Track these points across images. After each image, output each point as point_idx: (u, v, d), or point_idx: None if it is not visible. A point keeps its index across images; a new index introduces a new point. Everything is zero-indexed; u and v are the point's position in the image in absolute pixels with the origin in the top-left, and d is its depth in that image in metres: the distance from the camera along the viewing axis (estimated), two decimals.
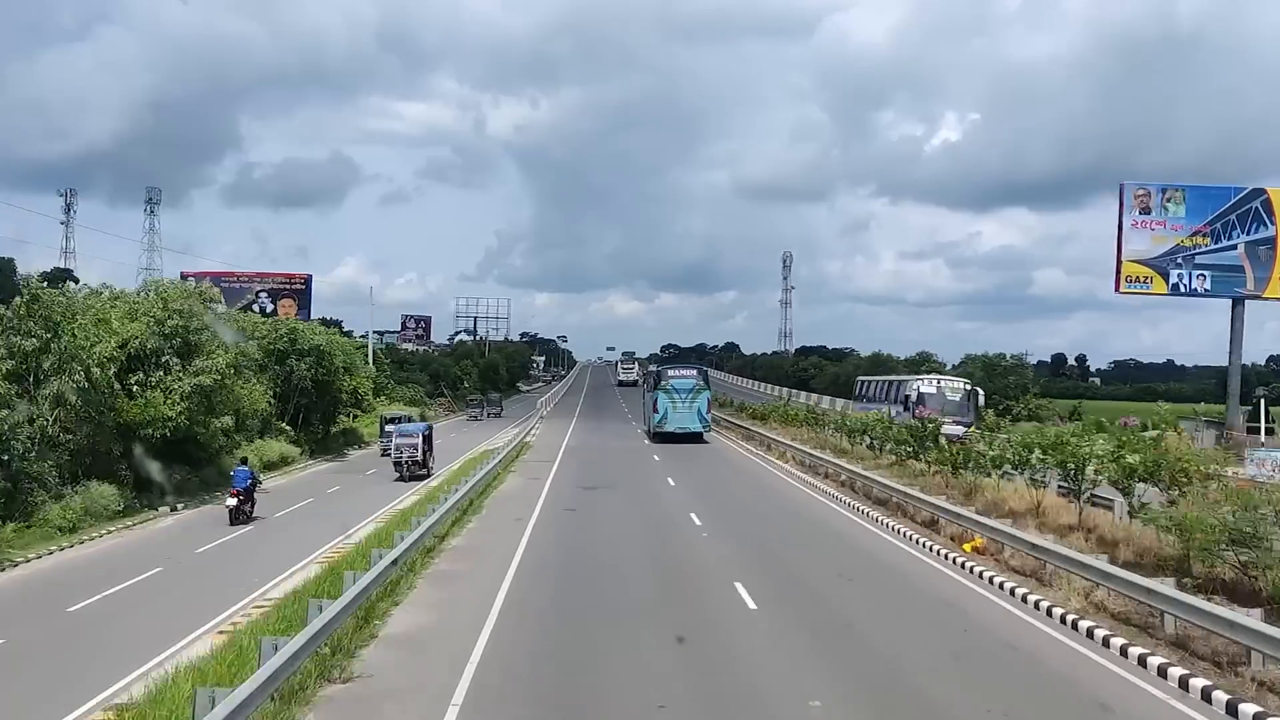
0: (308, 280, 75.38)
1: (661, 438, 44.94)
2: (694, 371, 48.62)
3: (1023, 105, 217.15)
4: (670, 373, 48.17)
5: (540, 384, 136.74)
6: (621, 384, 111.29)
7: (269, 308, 74.46)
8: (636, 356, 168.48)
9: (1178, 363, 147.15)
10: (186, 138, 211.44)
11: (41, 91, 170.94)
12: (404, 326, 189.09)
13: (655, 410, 45.91)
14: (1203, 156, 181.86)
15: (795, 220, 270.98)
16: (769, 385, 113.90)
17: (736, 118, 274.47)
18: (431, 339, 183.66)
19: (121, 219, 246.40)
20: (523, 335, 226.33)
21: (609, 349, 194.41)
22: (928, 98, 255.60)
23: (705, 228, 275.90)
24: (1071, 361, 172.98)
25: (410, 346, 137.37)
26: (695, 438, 45.24)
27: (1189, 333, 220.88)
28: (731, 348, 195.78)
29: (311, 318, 76.88)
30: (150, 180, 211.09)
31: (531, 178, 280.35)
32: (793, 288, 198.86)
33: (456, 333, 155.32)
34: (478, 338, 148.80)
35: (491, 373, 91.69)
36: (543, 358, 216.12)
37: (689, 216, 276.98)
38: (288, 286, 75.54)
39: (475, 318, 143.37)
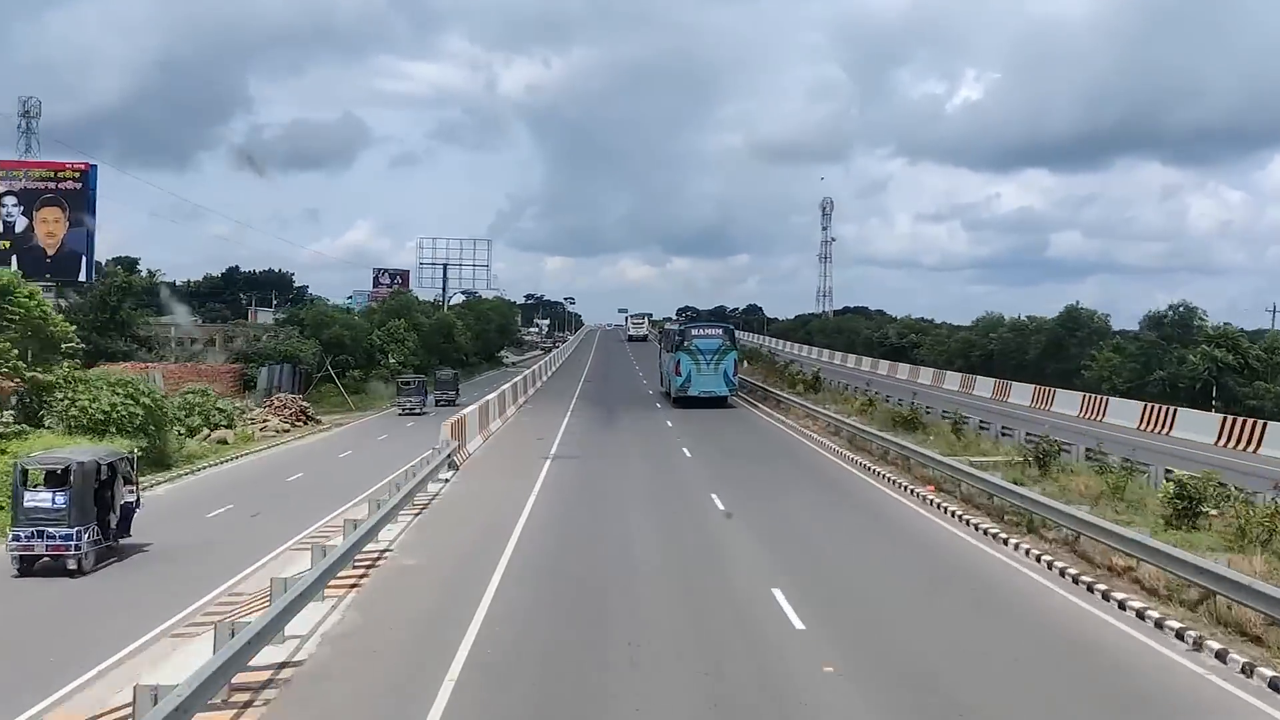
0: (86, 174, 41.91)
1: (684, 403, 41.73)
2: (720, 330, 45.35)
3: (1046, 62, 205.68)
4: (694, 331, 44.34)
5: (538, 352, 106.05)
6: (631, 339, 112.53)
7: (18, 222, 41.08)
8: (652, 317, 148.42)
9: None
10: (194, 98, 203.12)
11: (47, 51, 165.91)
12: (376, 282, 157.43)
13: (677, 373, 42.61)
14: (1232, 114, 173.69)
15: (811, 182, 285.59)
16: (834, 353, 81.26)
17: (753, 77, 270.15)
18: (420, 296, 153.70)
19: (127, 182, 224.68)
20: (528, 297, 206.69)
21: (620, 310, 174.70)
22: (948, 55, 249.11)
23: (719, 190, 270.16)
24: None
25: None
26: (720, 402, 42.21)
27: (1206, 296, 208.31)
28: (754, 310, 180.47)
29: (96, 246, 43.79)
30: (160, 142, 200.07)
31: (543, 139, 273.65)
32: (833, 239, 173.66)
33: (470, 291, 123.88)
34: (468, 294, 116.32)
35: (443, 340, 59.06)
36: (547, 321, 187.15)
37: (702, 179, 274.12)
38: (51, 185, 42.14)
39: (445, 265, 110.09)
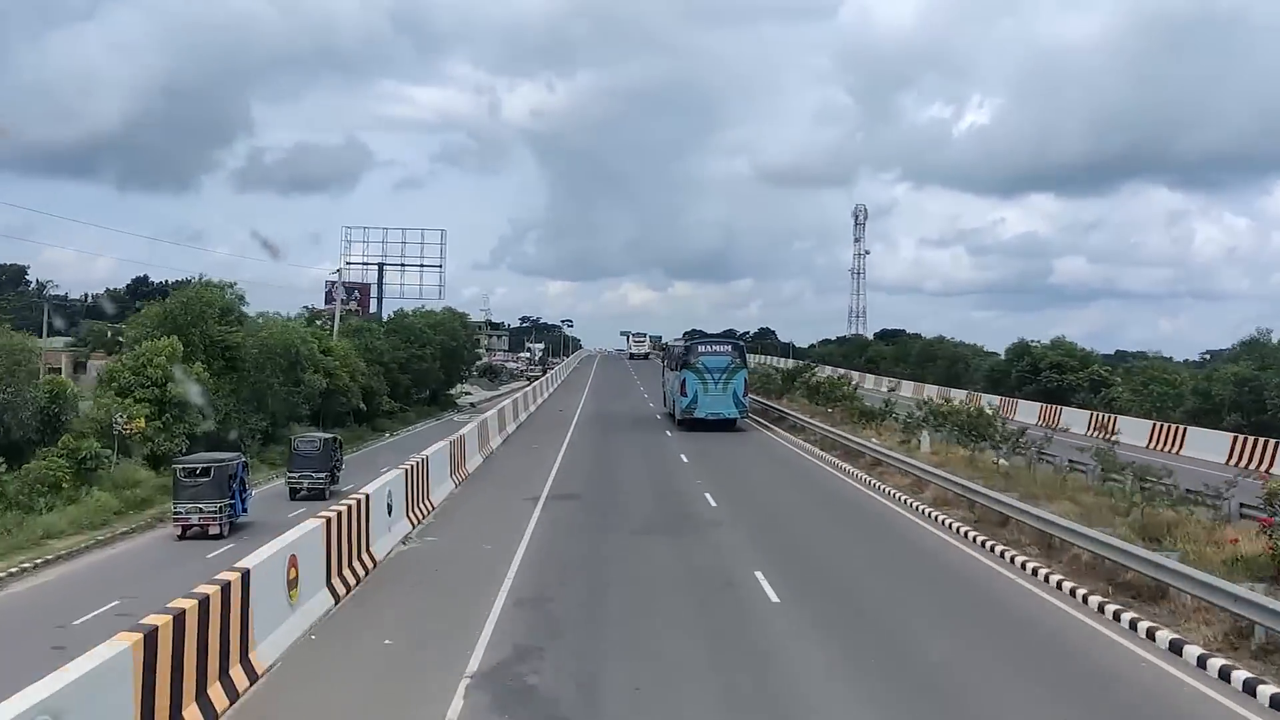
0: None
1: (689, 425, 37.70)
2: (729, 346, 41.34)
3: (1054, 87, 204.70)
4: (701, 348, 40.06)
5: (523, 383, 79.40)
6: (633, 357, 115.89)
7: None
8: (661, 340, 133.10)
9: None
10: (197, 121, 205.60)
11: (48, 74, 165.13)
12: (328, 298, 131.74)
13: (683, 393, 38.82)
14: (1243, 139, 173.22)
15: (815, 206, 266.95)
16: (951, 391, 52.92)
17: (757, 101, 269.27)
18: (373, 311, 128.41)
19: (131, 204, 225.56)
20: (523, 319, 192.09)
21: (622, 333, 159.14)
22: (954, 80, 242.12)
23: (722, 214, 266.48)
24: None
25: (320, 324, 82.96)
26: (729, 425, 38.31)
27: (1207, 323, 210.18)
28: (766, 333, 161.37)
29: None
30: (162, 165, 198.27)
31: (547, 164, 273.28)
32: (867, 252, 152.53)
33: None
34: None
35: (283, 378, 30.29)
36: (540, 345, 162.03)
37: (706, 203, 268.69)
38: None
39: (381, 265, 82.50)
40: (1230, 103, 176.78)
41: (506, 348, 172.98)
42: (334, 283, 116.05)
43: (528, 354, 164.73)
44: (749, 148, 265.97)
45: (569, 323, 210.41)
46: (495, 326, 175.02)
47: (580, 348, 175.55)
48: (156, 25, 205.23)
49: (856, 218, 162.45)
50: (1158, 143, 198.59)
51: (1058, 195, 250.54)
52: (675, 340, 56.94)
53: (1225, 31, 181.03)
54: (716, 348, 40.22)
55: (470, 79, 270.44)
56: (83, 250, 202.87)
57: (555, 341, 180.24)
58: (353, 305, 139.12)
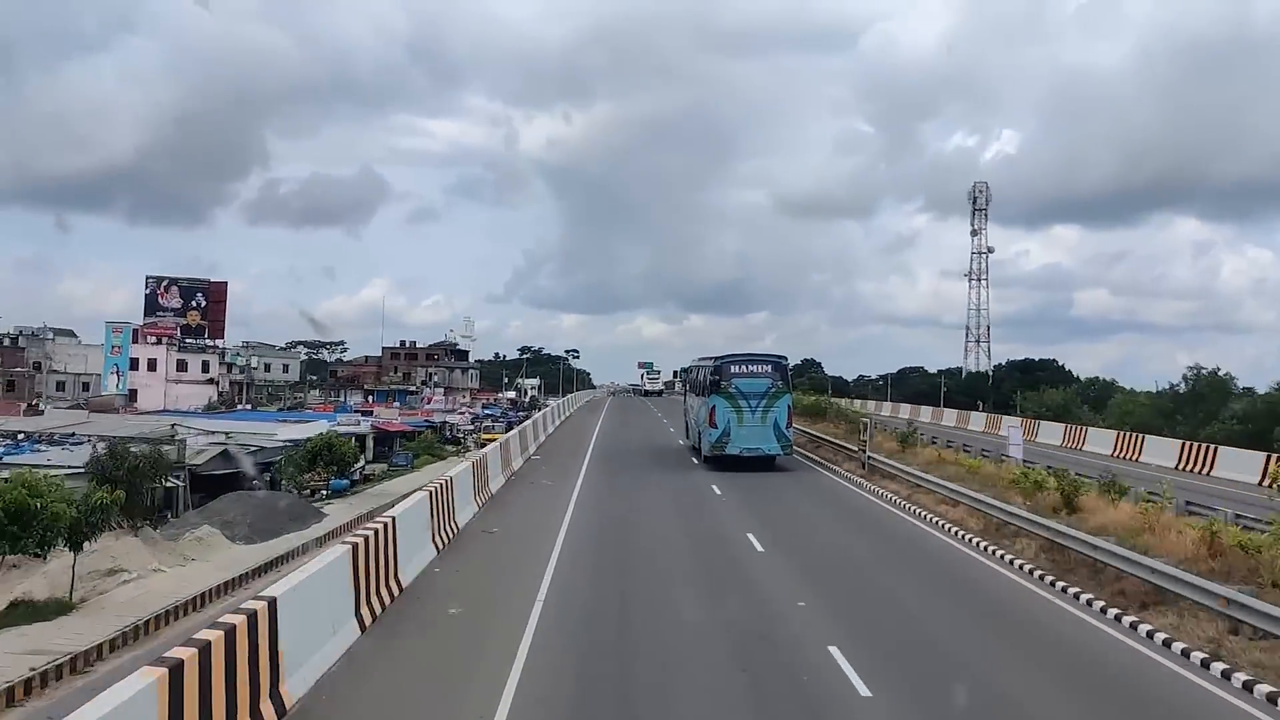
0: None
1: (720, 464, 31.26)
2: (768, 366, 33.27)
3: (1081, 116, 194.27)
4: (734, 369, 32.99)
5: (453, 465, 50.40)
6: (647, 394, 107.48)
7: None
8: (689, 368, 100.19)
9: None
10: (210, 153, 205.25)
11: (60, 103, 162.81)
12: (154, 303, 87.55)
13: (712, 424, 32.30)
14: (1275, 168, 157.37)
15: (833, 237, 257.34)
16: None
17: (775, 132, 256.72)
18: (223, 336, 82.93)
19: (141, 236, 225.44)
20: (522, 350, 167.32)
21: (640, 365, 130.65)
22: (979, 111, 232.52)
23: (738, 246, 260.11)
24: None
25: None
26: (767, 463, 31.81)
27: (1228, 356, 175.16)
28: (811, 364, 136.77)
29: None
30: (174, 197, 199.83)
31: (562, 195, 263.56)
32: (991, 249, 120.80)
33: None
34: None
35: None
36: (534, 380, 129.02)
37: (722, 234, 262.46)
38: None
39: None
40: (1263, 129, 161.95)
41: (475, 385, 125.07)
42: (163, 278, 73.57)
43: (514, 393, 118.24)
44: (767, 179, 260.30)
45: (574, 353, 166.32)
46: (460, 355, 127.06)
47: (590, 385, 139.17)
48: (170, 56, 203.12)
49: (974, 200, 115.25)
50: (1187, 172, 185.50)
51: (1083, 227, 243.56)
52: (701, 360, 37.12)
53: (1256, 57, 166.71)
54: (753, 368, 32.97)
55: (485, 111, 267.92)
56: (98, 282, 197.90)
57: (551, 377, 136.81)
58: (183, 323, 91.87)
